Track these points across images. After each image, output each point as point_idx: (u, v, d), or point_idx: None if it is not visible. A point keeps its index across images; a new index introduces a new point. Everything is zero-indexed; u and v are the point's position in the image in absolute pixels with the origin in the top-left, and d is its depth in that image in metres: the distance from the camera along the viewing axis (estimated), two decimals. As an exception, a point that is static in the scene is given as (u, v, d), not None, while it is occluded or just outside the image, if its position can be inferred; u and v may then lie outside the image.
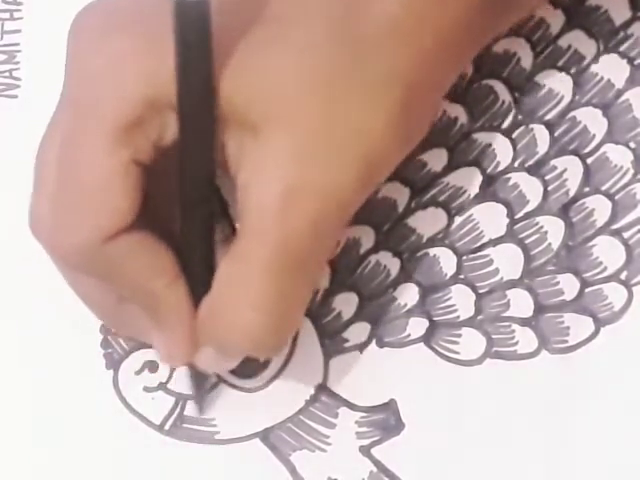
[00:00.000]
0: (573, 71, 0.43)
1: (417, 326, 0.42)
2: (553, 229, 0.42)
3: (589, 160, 0.43)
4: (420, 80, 0.36)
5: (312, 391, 0.41)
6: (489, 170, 0.43)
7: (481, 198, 0.42)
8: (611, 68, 0.43)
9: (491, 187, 0.42)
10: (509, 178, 0.42)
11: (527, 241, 0.42)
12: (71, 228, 0.35)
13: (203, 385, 0.41)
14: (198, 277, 0.37)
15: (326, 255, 0.37)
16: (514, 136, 0.43)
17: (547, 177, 0.42)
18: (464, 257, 0.42)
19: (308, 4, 0.35)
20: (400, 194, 0.42)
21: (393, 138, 0.36)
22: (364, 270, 0.42)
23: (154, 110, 0.35)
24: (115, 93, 0.35)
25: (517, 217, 0.42)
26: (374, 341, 0.42)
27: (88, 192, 0.35)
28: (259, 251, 0.35)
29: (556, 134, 0.43)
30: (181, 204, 0.36)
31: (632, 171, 0.42)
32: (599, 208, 0.42)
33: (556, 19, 0.43)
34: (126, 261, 0.36)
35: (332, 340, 0.42)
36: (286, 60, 0.35)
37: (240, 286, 0.35)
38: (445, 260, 0.42)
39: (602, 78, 0.43)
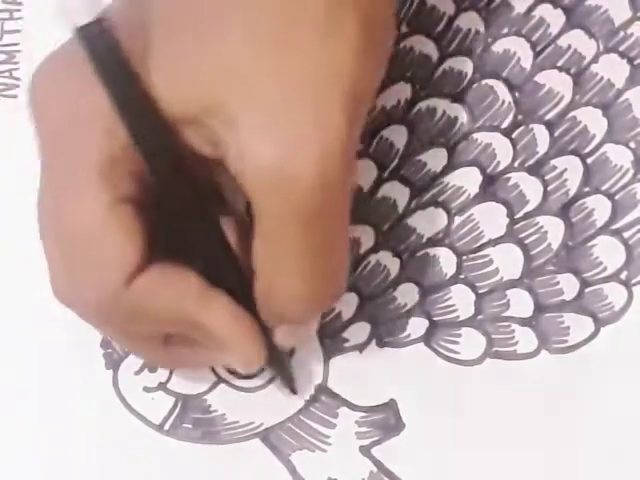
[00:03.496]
0: (573, 71, 0.43)
1: (417, 326, 0.42)
2: (553, 229, 0.42)
3: (589, 160, 0.43)
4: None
5: (312, 391, 0.41)
6: (489, 170, 0.43)
7: (481, 198, 0.42)
8: (611, 68, 0.43)
9: (491, 187, 0.42)
10: (509, 178, 0.42)
11: (527, 241, 0.42)
12: (86, 288, 0.35)
13: (285, 365, 0.41)
14: (227, 276, 0.36)
15: (347, 195, 0.36)
16: (514, 136, 0.43)
17: (547, 177, 0.42)
18: (464, 257, 0.42)
19: None
20: (400, 194, 0.42)
21: (361, 60, 0.35)
22: (364, 270, 0.42)
23: (124, 147, 0.34)
24: (84, 144, 0.34)
25: (517, 217, 0.42)
26: (374, 341, 0.42)
27: (89, 246, 0.35)
28: (280, 224, 0.34)
29: (556, 134, 0.43)
30: (180, 218, 0.36)
31: (632, 171, 0.42)
32: (599, 208, 0.42)
33: (556, 19, 0.43)
34: (150, 296, 0.35)
35: (332, 340, 0.42)
36: (227, 38, 0.34)
37: (278, 262, 0.35)
38: (445, 260, 0.42)
39: (602, 78, 0.43)
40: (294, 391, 0.41)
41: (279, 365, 0.41)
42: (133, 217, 0.35)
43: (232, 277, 0.37)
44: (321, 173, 0.34)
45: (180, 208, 0.35)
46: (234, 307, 0.36)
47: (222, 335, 0.36)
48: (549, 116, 0.43)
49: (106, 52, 0.33)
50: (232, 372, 0.42)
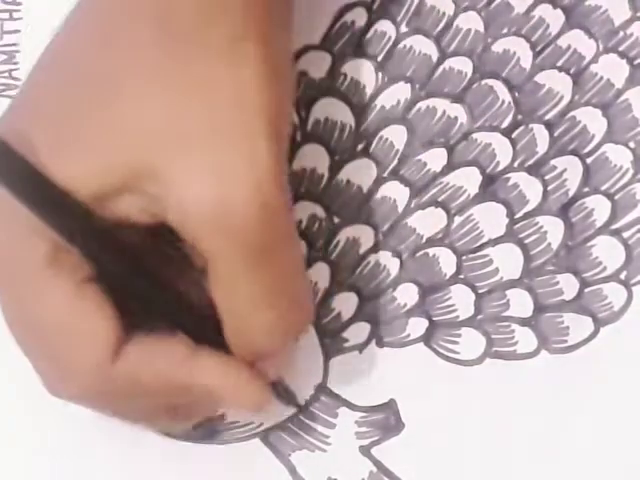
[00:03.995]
0: (573, 71, 0.43)
1: (417, 326, 0.42)
2: (553, 229, 0.42)
3: (589, 160, 0.43)
4: (264, 23, 0.35)
5: (312, 391, 0.41)
6: (489, 170, 0.43)
7: (481, 198, 0.42)
8: (611, 68, 0.43)
9: (491, 187, 0.42)
10: (509, 178, 0.42)
11: (527, 241, 0.42)
12: (74, 376, 0.35)
13: (280, 387, 0.40)
14: (197, 327, 0.36)
15: (290, 216, 0.36)
16: (514, 136, 0.43)
17: (547, 177, 0.42)
18: (464, 257, 0.42)
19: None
20: (400, 194, 0.42)
21: (271, 83, 0.35)
22: (364, 270, 0.42)
23: (56, 238, 0.34)
24: (25, 243, 0.34)
25: (517, 217, 0.42)
26: (374, 341, 0.42)
27: (66, 336, 0.35)
28: (234, 264, 0.34)
29: (556, 134, 0.43)
30: (136, 284, 0.36)
31: (632, 171, 0.42)
32: (599, 208, 0.42)
33: (556, 19, 0.43)
34: (139, 369, 0.35)
35: (332, 340, 0.42)
36: (133, 100, 0.34)
37: (240, 301, 0.35)
38: (445, 260, 0.42)
39: (602, 78, 0.43)
40: (298, 405, 0.41)
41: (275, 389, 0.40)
42: (100, 294, 0.35)
43: (202, 327, 0.36)
44: (261, 203, 0.34)
45: (130, 277, 0.35)
46: (222, 359, 0.36)
47: (220, 392, 0.36)
48: (549, 116, 0.43)
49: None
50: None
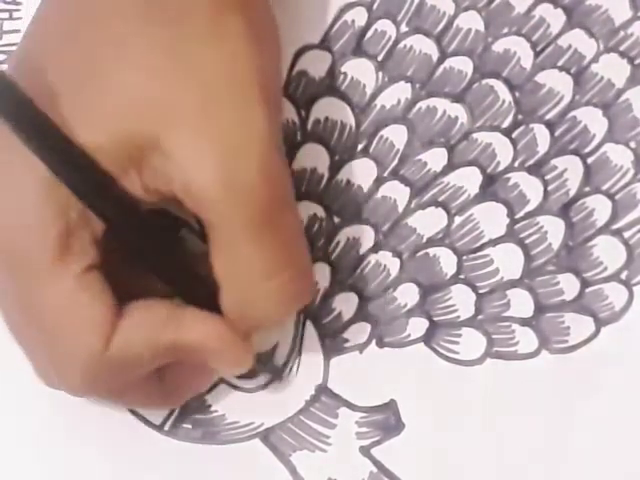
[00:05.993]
0: (573, 71, 0.43)
1: (417, 326, 0.42)
2: (553, 229, 0.42)
3: (589, 160, 0.42)
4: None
5: (312, 391, 0.41)
6: (489, 170, 0.42)
7: (481, 198, 0.42)
8: (611, 68, 0.43)
9: (491, 187, 0.42)
10: (509, 178, 0.42)
11: (527, 241, 0.42)
12: (70, 363, 0.35)
13: (275, 368, 0.41)
14: (195, 297, 0.37)
15: (289, 179, 0.36)
16: (514, 136, 0.43)
17: (547, 177, 0.42)
18: (464, 257, 0.42)
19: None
20: (400, 194, 0.42)
21: (256, 52, 0.35)
22: (364, 270, 0.42)
23: (71, 216, 0.34)
24: (34, 227, 0.35)
25: (517, 217, 0.42)
26: (374, 341, 0.42)
27: (65, 323, 0.35)
28: (239, 232, 0.34)
29: (556, 134, 0.43)
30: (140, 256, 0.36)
31: (632, 171, 0.42)
32: (599, 208, 0.42)
33: (556, 18, 0.43)
34: (128, 345, 0.35)
35: (332, 340, 0.42)
36: (124, 75, 0.34)
37: (245, 270, 0.35)
38: (445, 260, 0.42)
39: (602, 78, 0.43)
40: (279, 377, 0.41)
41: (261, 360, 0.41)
42: (101, 283, 0.35)
43: (200, 297, 0.37)
44: (262, 169, 0.34)
45: (138, 246, 0.36)
46: (204, 315, 0.36)
47: (203, 343, 0.36)
48: (549, 116, 0.43)
49: (23, 110, 0.33)
50: (232, 372, 0.42)
